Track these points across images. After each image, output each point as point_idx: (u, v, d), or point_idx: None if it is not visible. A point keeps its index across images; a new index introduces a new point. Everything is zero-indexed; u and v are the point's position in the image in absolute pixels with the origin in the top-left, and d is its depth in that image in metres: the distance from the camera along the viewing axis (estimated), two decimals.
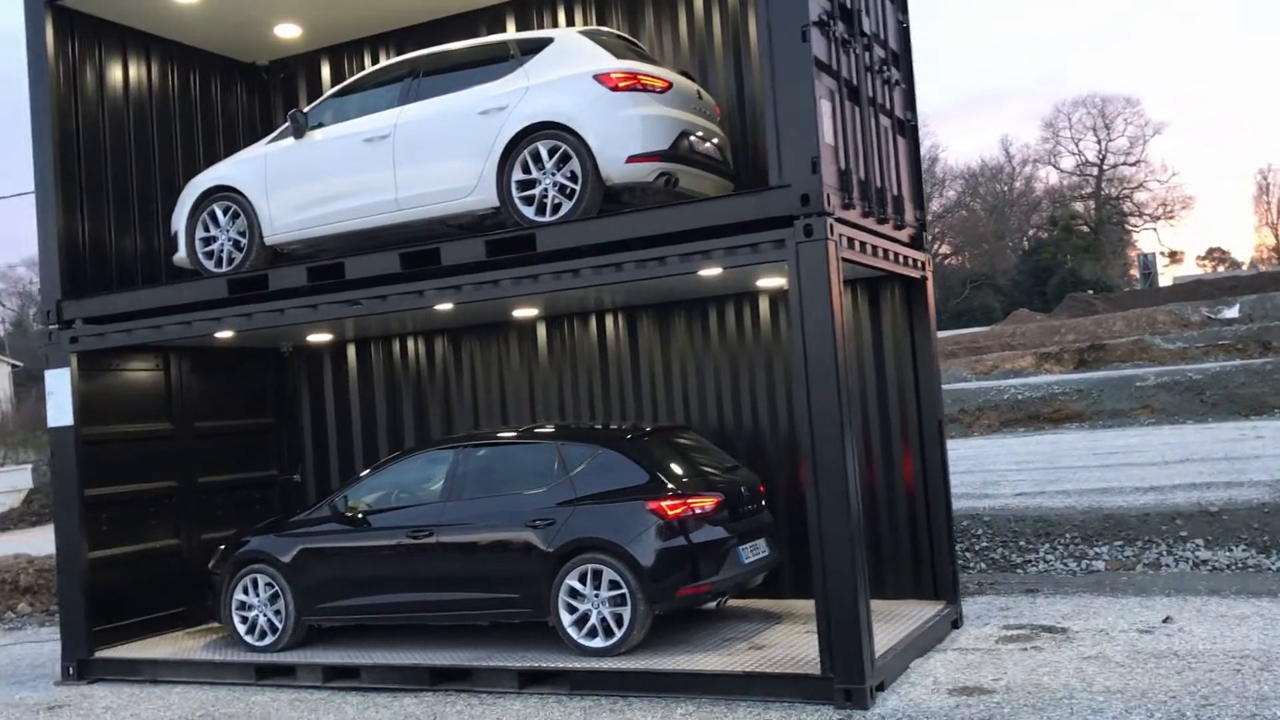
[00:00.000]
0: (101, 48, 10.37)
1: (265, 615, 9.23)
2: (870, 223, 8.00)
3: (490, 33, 10.65)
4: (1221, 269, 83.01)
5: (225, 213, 9.43)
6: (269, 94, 12.07)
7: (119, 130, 10.45)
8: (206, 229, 9.52)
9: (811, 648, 7.76)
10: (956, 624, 8.95)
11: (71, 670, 9.60)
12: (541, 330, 10.66)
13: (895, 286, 9.28)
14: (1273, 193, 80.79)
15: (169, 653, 9.60)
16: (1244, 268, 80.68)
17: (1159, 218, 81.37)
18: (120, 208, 10.39)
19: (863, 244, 7.74)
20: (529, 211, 8.19)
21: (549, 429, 9.21)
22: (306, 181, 9.07)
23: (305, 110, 9.31)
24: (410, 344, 11.39)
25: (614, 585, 8.01)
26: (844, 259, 7.31)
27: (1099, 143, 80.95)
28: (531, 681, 7.95)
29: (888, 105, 8.68)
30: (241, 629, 9.31)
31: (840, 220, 7.29)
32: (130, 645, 9.97)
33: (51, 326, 9.78)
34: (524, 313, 10.26)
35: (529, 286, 8.04)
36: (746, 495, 8.64)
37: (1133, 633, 8.30)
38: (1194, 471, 14.15)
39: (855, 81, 7.95)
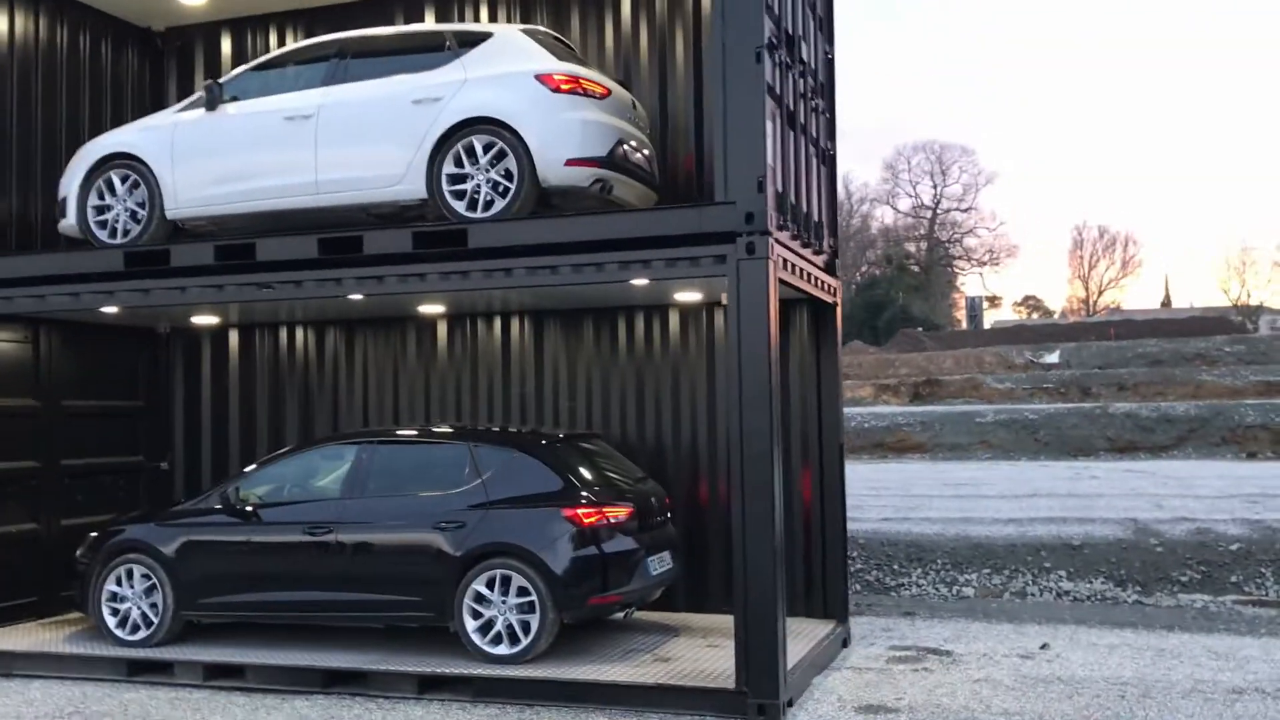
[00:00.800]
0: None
1: (139, 608, 8.73)
2: (797, 245, 8.14)
3: (407, 21, 10.45)
4: (1035, 315, 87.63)
5: (123, 181, 8.92)
6: (161, 61, 11.50)
7: (0, 88, 9.78)
8: (101, 197, 8.99)
9: (716, 662, 7.86)
10: (845, 643, 9.16)
11: None
12: (443, 328, 10.45)
13: (805, 309, 9.47)
14: (1086, 247, 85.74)
15: (26, 644, 8.98)
16: (1055, 316, 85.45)
17: (985, 263, 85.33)
18: (22, 169, 9.73)
19: (792, 265, 7.87)
20: (459, 206, 8.03)
21: (460, 429, 9.02)
22: (217, 156, 8.68)
23: (220, 82, 8.90)
24: (299, 333, 10.99)
25: (523, 592, 7.89)
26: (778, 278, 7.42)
27: (934, 187, 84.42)
28: (431, 687, 7.75)
29: (813, 133, 8.87)
30: (111, 621, 8.79)
31: (777, 240, 7.40)
32: None
33: None
34: (429, 309, 10.04)
35: (458, 283, 7.88)
36: (655, 506, 8.66)
37: (1015, 658, 8.65)
38: (1044, 506, 14.86)
39: (792, 107, 8.10)
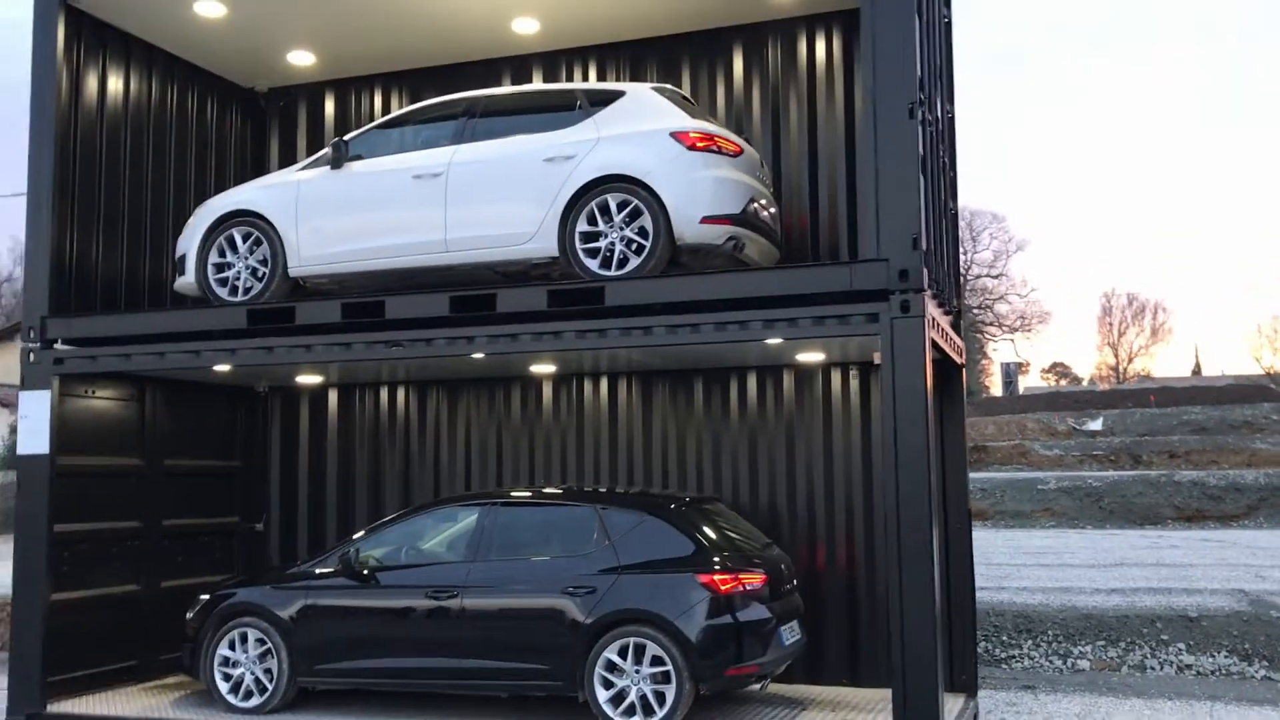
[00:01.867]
0: (105, 56, 9.75)
1: (253, 673, 8.51)
2: (934, 304, 7.96)
3: (515, 82, 10.45)
4: (1064, 382, 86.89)
5: (245, 239, 8.87)
6: (265, 121, 11.53)
7: (115, 144, 9.80)
8: (221, 254, 8.93)
9: None
10: (975, 718, 8.82)
11: None
12: (548, 388, 10.29)
13: (934, 370, 9.24)
14: (1114, 314, 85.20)
15: (134, 709, 8.75)
16: (1084, 383, 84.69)
17: (1016, 329, 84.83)
18: (109, 226, 9.70)
19: (935, 323, 7.69)
20: (592, 264, 7.91)
21: (585, 491, 8.82)
22: (343, 214, 8.61)
23: (345, 140, 8.86)
24: (401, 393, 10.86)
25: (657, 661, 7.62)
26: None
27: (966, 254, 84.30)
28: None
29: (941, 193, 8.73)
30: (224, 687, 8.56)
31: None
32: (83, 699, 9.07)
33: (33, 345, 8.99)
34: (539, 369, 9.89)
35: (594, 341, 7.73)
36: (785, 573, 8.40)
37: None
38: (1138, 576, 14.46)
39: (929, 164, 7.97)
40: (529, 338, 7.88)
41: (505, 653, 7.97)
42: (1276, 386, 74.24)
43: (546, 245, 8.07)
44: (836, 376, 9.44)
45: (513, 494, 8.88)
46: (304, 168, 8.99)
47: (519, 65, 10.57)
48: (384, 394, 10.92)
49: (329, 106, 11.36)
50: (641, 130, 8.08)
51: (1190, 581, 13.94)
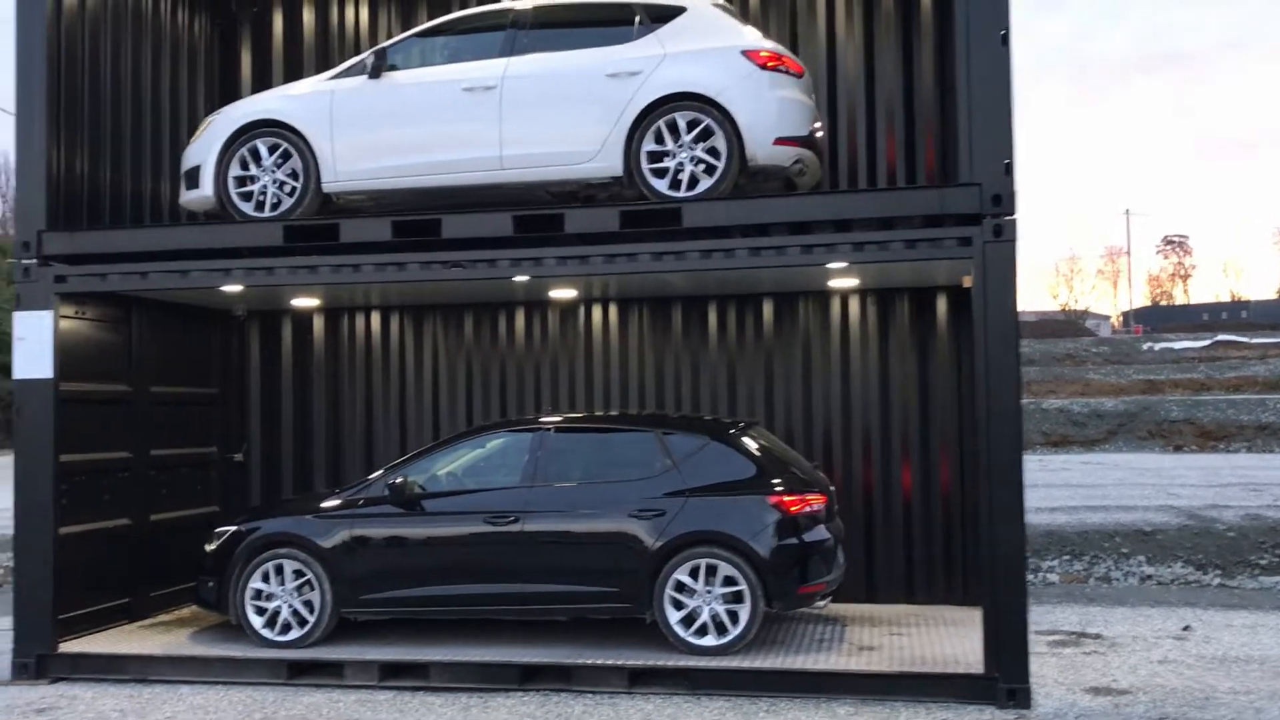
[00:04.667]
0: None
1: (291, 606, 8.17)
2: None
3: None
4: None
5: (272, 151, 8.32)
6: (236, 29, 10.79)
7: (95, 51, 8.97)
8: (244, 167, 8.37)
9: (925, 649, 7.82)
10: None
11: (28, 666, 8.10)
12: (585, 312, 10.03)
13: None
14: None
15: (160, 648, 8.30)
16: None
17: None
18: (94, 137, 8.93)
19: None
20: (660, 185, 7.76)
21: (641, 415, 8.75)
22: (385, 127, 8.17)
23: (384, 48, 8.39)
24: (394, 319, 10.47)
25: (729, 581, 7.68)
26: None
27: None
28: (642, 680, 7.47)
29: None
30: (258, 621, 8.19)
31: None
32: (88, 638, 8.55)
33: (28, 261, 8.26)
34: (559, 294, 9.68)
35: (672, 264, 7.62)
36: (833, 497, 8.55)
37: (1167, 639, 8.85)
38: (1064, 496, 15.34)
39: None
40: (601, 260, 7.71)
41: (570, 576, 7.89)
42: (1082, 321, 79.24)
43: (610, 164, 7.87)
44: (887, 302, 9.56)
45: (566, 418, 8.73)
46: (336, 77, 8.47)
47: None
48: (375, 319, 10.51)
49: (307, 16, 10.70)
50: (711, 47, 7.92)
51: (1108, 500, 14.85)
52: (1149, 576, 11.51)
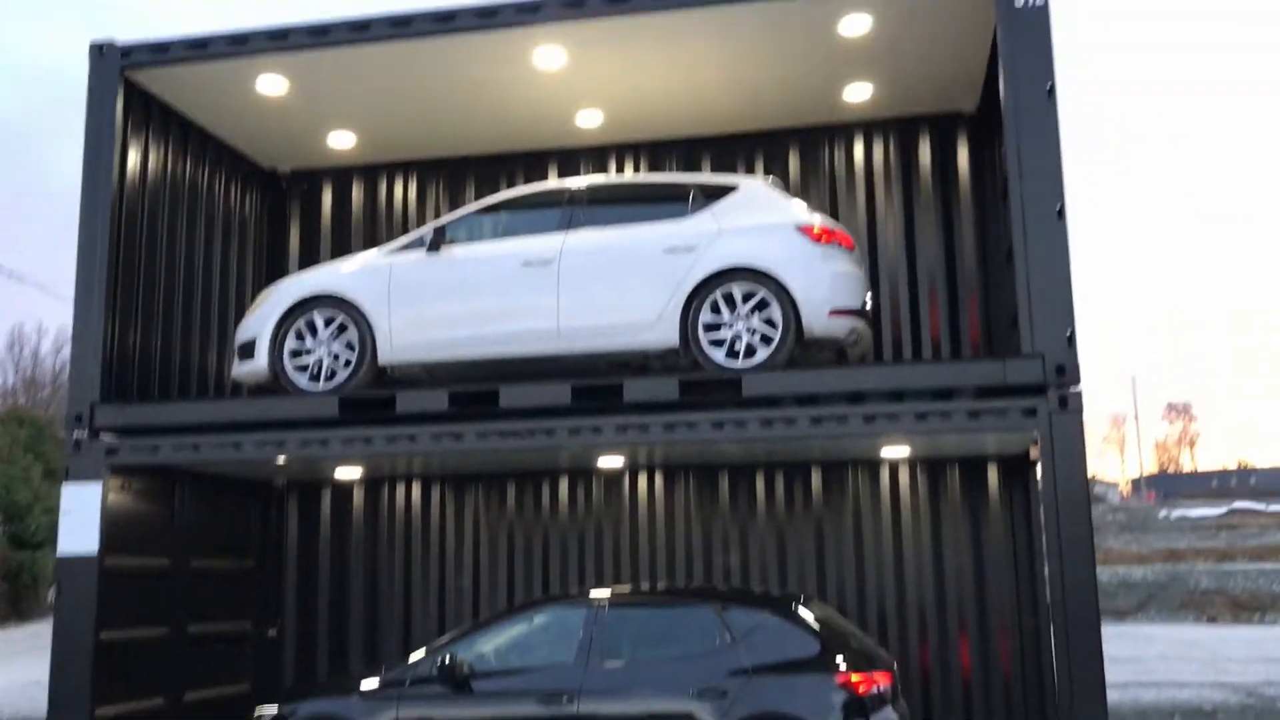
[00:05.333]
0: (149, 134, 9.18)
1: None
2: None
3: (563, 174, 10.33)
4: None
5: (328, 324, 8.38)
6: (285, 204, 11.05)
7: (153, 226, 9.17)
8: (301, 339, 8.41)
9: None
10: None
11: None
12: (627, 481, 9.93)
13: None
14: None
15: None
16: None
17: None
18: (148, 310, 9.05)
19: None
20: (717, 355, 7.79)
21: (696, 589, 8.54)
22: (443, 300, 8.24)
23: (442, 224, 8.54)
24: (435, 490, 10.36)
25: None
26: None
27: None
28: None
29: None
30: None
31: None
32: None
33: (79, 434, 8.23)
34: (606, 463, 9.60)
35: (733, 433, 7.56)
36: (897, 675, 8.26)
37: None
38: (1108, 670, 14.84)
39: None
40: (660, 428, 7.66)
41: None
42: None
43: (666, 335, 7.91)
44: (937, 472, 9.47)
45: (624, 592, 8.52)
46: (393, 251, 8.59)
47: (566, 158, 10.47)
48: (415, 490, 10.40)
49: (356, 192, 10.97)
50: (765, 223, 8.06)
51: (1157, 675, 14.39)
52: None
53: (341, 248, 10.60)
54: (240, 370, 8.67)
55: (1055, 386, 7.10)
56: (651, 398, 7.65)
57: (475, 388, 7.90)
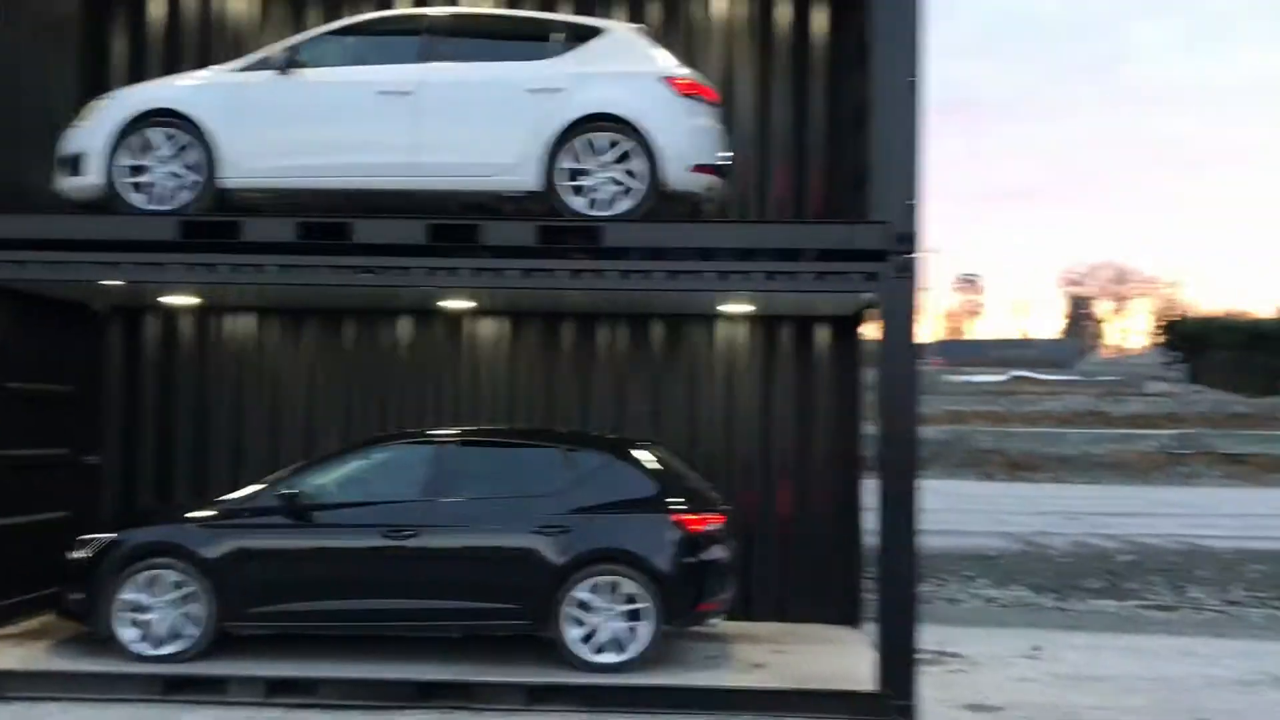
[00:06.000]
0: None
1: (169, 619, 7.79)
2: None
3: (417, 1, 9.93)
4: None
5: (168, 141, 7.96)
6: (109, 4, 10.23)
7: None
8: (137, 157, 7.97)
9: (812, 666, 8.10)
10: None
11: None
12: (473, 326, 9.87)
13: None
14: None
15: (17, 661, 7.79)
16: None
17: None
18: None
19: None
20: (577, 203, 7.82)
21: (545, 430, 8.72)
22: (293, 125, 7.95)
23: (294, 44, 8.14)
24: (272, 322, 10.09)
25: (630, 599, 7.76)
26: None
27: None
28: (542, 697, 7.46)
29: None
30: (131, 635, 7.77)
31: None
32: None
33: None
34: (452, 304, 9.56)
35: (590, 282, 7.67)
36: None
37: (1021, 659, 9.39)
38: None
39: None
40: (518, 274, 7.69)
41: (469, 592, 7.82)
42: None
43: (526, 179, 7.87)
44: (782, 328, 9.79)
45: (468, 431, 8.62)
46: (242, 70, 8.17)
47: None
48: (249, 320, 10.11)
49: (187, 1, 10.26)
50: (631, 71, 8.04)
51: (945, 525, 15.60)
52: (993, 599, 12.18)
53: (172, 64, 9.94)
54: (70, 184, 8.18)
55: (897, 253, 7.45)
56: (509, 241, 7.64)
57: (326, 219, 7.71)
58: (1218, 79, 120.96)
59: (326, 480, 8.14)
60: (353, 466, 8.24)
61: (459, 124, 7.90)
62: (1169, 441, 28.70)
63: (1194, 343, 60.03)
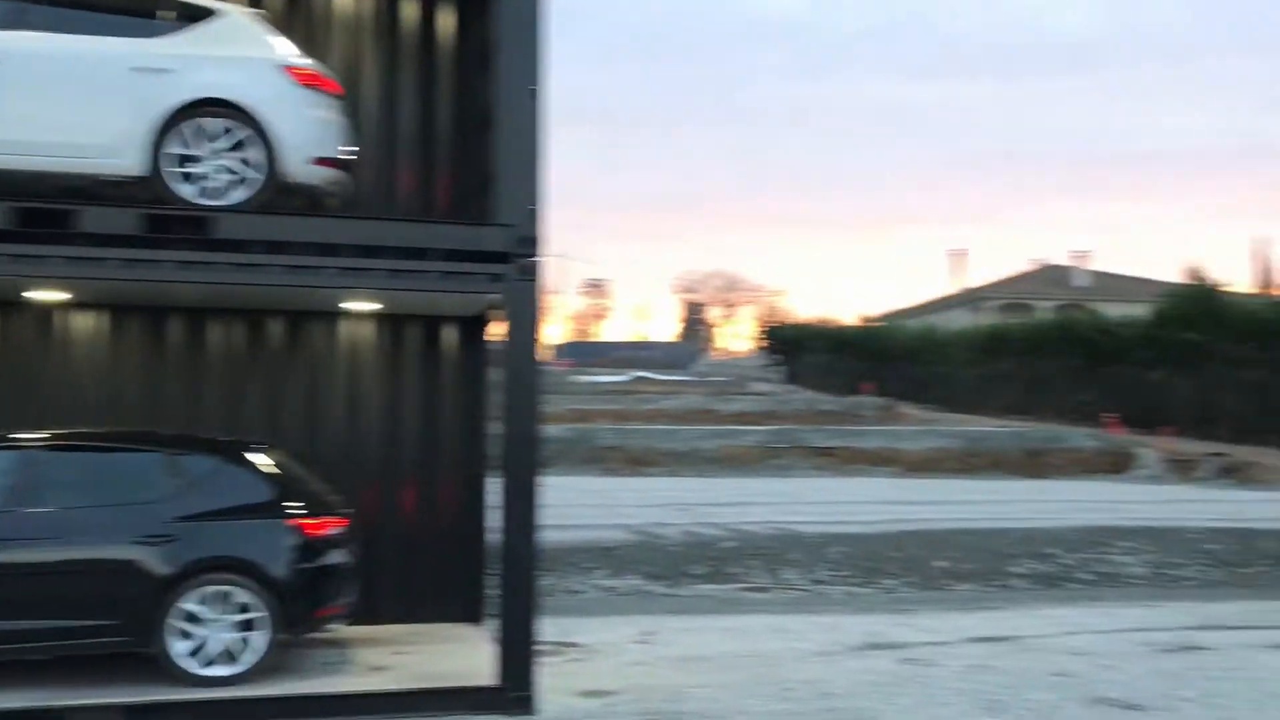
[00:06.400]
0: None
1: None
2: None
3: None
4: None
5: None
6: None
7: None
8: None
9: (435, 665, 8.16)
10: None
11: None
12: (72, 319, 9.03)
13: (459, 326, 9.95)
14: None
15: None
16: None
17: None
18: None
19: None
20: (187, 190, 7.41)
21: (145, 433, 8.12)
22: None
23: None
24: None
25: (243, 609, 7.45)
26: None
27: None
28: (141, 717, 7.00)
29: None
30: None
31: None
32: None
33: None
34: (36, 296, 8.74)
35: (200, 273, 7.26)
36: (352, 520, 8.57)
37: (635, 645, 9.89)
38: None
39: None
40: (118, 264, 7.15)
41: (58, 610, 7.20)
42: None
43: (128, 163, 7.36)
44: (399, 327, 9.65)
45: (59, 434, 7.87)
46: None
47: None
48: None
49: None
50: (247, 56, 7.71)
51: (567, 519, 16.13)
52: (610, 588, 12.72)
53: None
54: None
55: (519, 255, 7.63)
56: (109, 229, 7.10)
57: None
58: (832, 103, 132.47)
59: None
60: None
61: (51, 99, 7.27)
62: (767, 436, 31.11)
63: (792, 347, 65.67)
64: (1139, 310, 41.05)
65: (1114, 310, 45.49)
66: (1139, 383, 36.48)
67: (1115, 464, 30.00)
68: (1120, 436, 32.56)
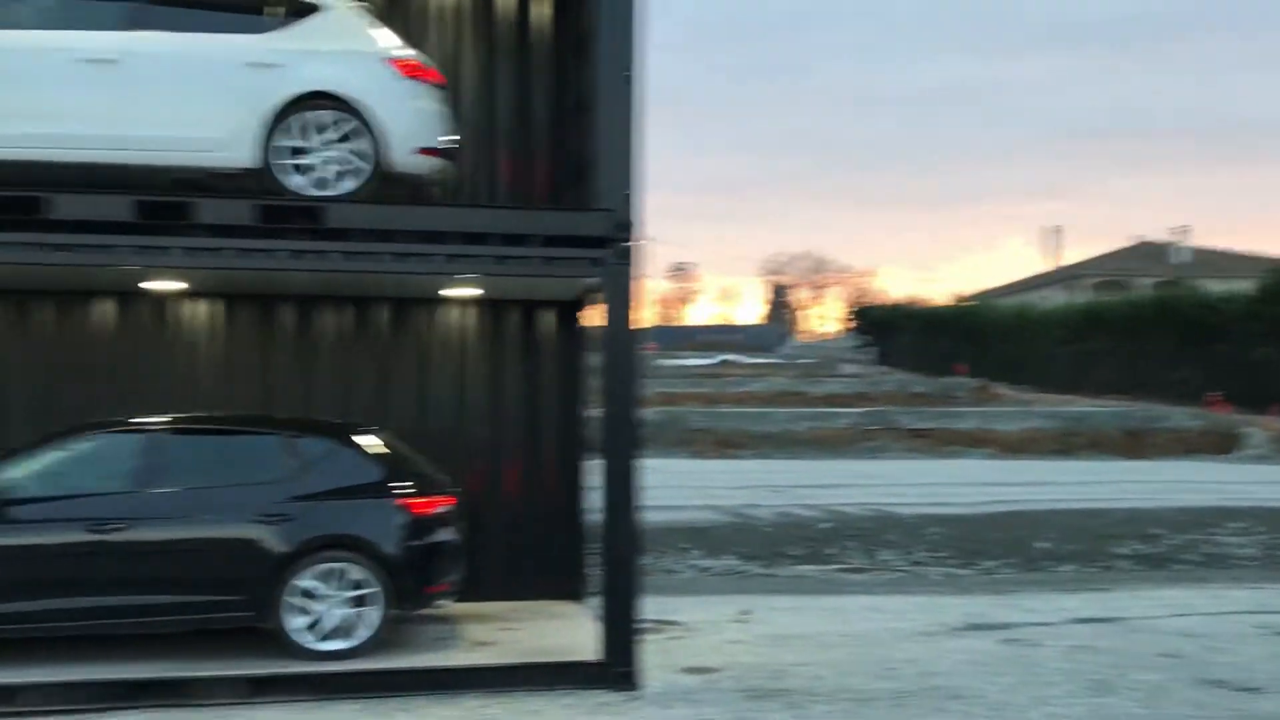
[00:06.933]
0: None
1: None
2: None
3: None
4: None
5: None
6: None
7: None
8: None
9: (532, 641, 8.36)
10: None
11: None
12: (192, 308, 9.40)
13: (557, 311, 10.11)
14: None
15: None
16: None
17: None
18: None
19: None
20: (298, 181, 7.66)
21: (263, 417, 8.44)
22: None
23: None
24: None
25: (357, 585, 7.71)
26: None
27: None
28: (263, 690, 7.28)
29: None
30: None
31: None
32: None
33: None
34: (155, 286, 9.08)
35: (313, 263, 7.51)
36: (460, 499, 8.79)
37: (733, 623, 9.98)
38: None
39: None
40: (234, 254, 7.43)
41: (184, 586, 7.53)
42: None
43: (242, 155, 7.63)
44: (499, 312, 9.85)
45: (180, 419, 8.22)
46: None
47: None
48: None
49: None
50: (354, 50, 7.92)
51: (661, 501, 16.24)
52: (706, 568, 12.83)
53: None
54: None
55: (617, 240, 7.74)
56: (225, 220, 7.37)
57: (18, 193, 7.17)
58: (910, 83, 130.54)
59: (20, 473, 7.60)
60: (49, 458, 7.72)
61: (168, 96, 7.55)
62: (860, 418, 30.91)
63: (882, 328, 64.92)
64: (1242, 286, 39.80)
65: (1215, 286, 44.17)
66: (1243, 360, 35.39)
67: (1220, 444, 29.22)
68: (1225, 415, 31.69)
